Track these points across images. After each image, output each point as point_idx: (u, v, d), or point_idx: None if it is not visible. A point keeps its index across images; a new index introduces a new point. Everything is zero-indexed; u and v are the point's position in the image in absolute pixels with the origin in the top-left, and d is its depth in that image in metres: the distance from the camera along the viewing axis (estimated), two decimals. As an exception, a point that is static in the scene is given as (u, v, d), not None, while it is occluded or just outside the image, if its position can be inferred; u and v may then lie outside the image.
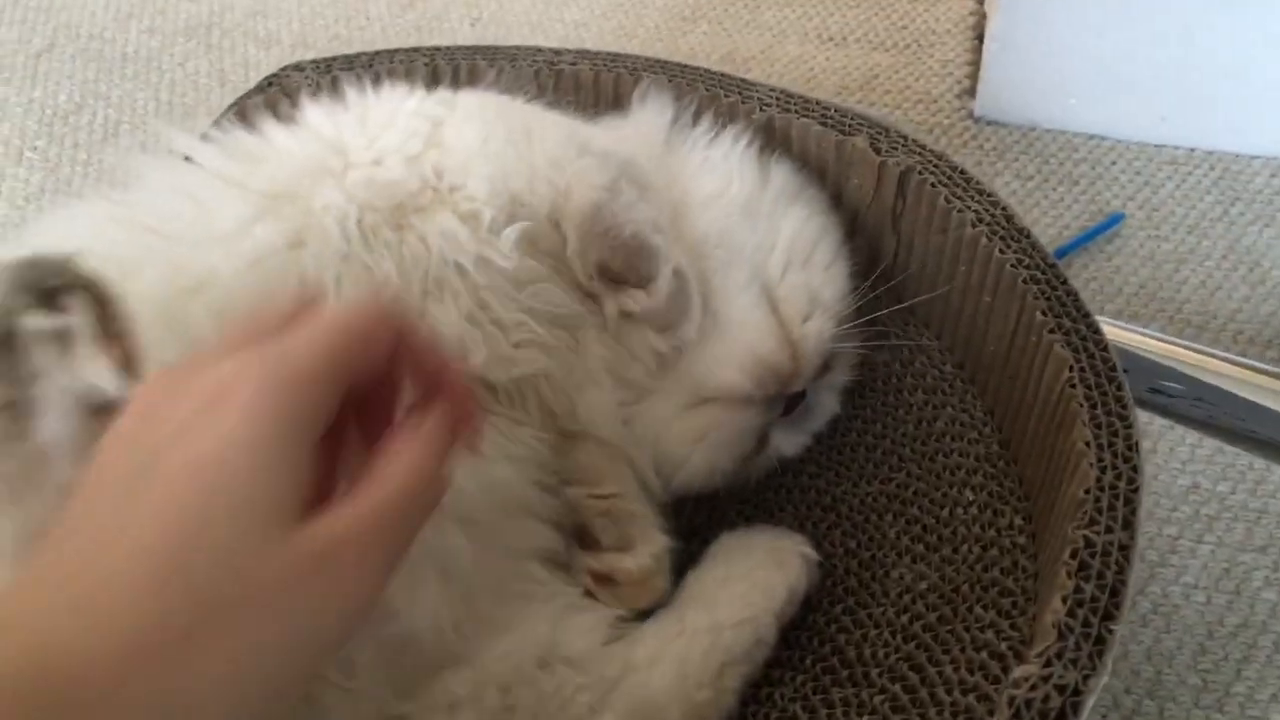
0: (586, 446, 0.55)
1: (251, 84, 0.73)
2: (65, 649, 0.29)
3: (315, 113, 0.56)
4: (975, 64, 1.02)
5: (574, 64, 0.71)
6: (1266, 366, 0.67)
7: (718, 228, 0.57)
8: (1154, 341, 0.72)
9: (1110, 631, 0.41)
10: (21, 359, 0.35)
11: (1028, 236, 0.57)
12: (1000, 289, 0.57)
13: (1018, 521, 0.55)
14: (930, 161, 0.61)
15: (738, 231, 0.57)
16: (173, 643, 0.29)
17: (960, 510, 0.57)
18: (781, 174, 0.62)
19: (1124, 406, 0.49)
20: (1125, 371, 0.51)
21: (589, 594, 0.53)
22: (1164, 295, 0.81)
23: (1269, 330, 0.78)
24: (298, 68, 0.72)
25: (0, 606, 0.30)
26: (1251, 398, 0.64)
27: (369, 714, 0.44)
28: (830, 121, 0.64)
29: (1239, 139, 0.92)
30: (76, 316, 0.35)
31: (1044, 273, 0.55)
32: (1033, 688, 0.39)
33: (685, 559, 0.55)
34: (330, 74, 0.71)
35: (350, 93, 0.57)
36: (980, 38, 1.05)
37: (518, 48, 0.73)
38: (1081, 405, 0.49)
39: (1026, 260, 0.56)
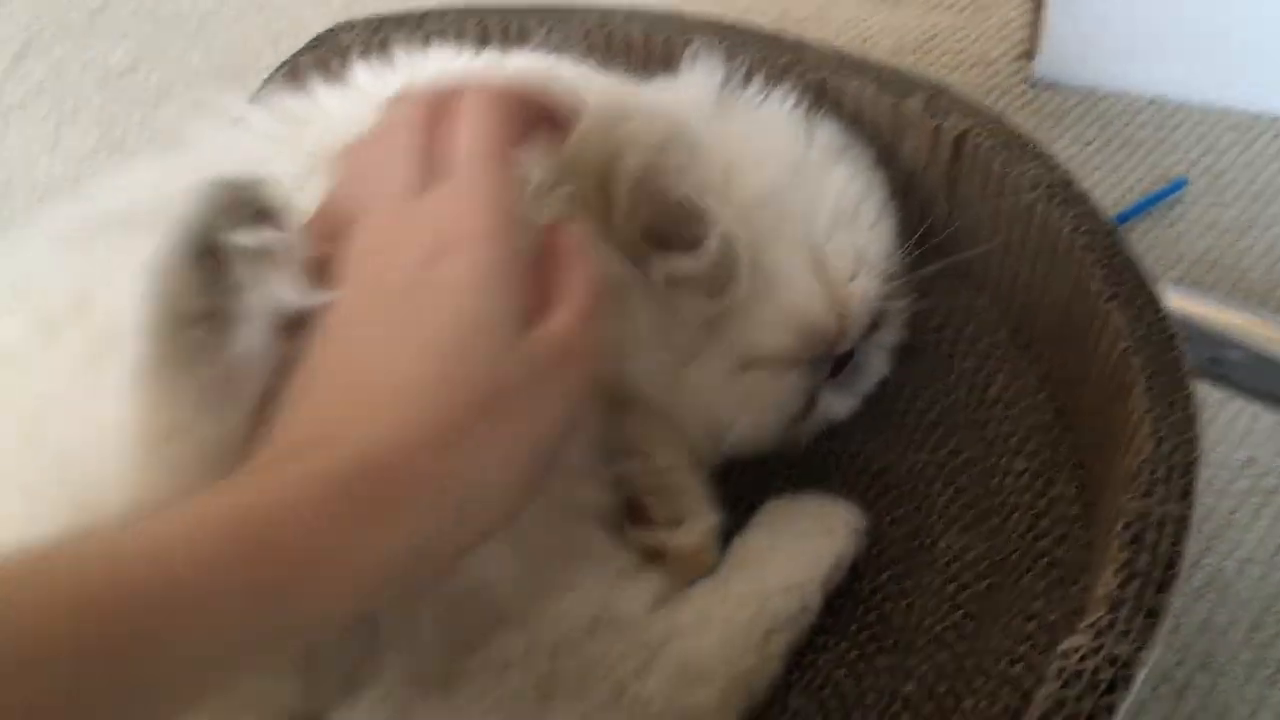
0: (635, 416, 0.55)
1: (303, 43, 0.74)
2: (375, 443, 0.33)
3: (363, 74, 0.56)
4: (1034, 25, 1.00)
5: (624, 24, 0.70)
6: (1330, 338, 0.66)
7: (765, 189, 0.56)
8: (1215, 310, 0.70)
9: (1164, 604, 0.40)
10: (223, 274, 0.37)
11: (1086, 201, 0.56)
12: (1057, 255, 0.56)
13: (1070, 492, 0.54)
14: (986, 124, 0.60)
15: (785, 192, 0.57)
16: (460, 433, 0.35)
17: (1011, 479, 0.56)
18: (827, 133, 0.61)
19: (1182, 376, 0.48)
20: (1185, 340, 0.50)
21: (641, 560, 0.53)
22: (1226, 263, 0.79)
23: (1334, 301, 0.76)
24: (348, 27, 0.72)
25: (296, 427, 0.35)
26: (1314, 369, 0.63)
27: (423, 668, 0.45)
28: (884, 84, 0.63)
29: (1308, 104, 0.89)
30: (274, 235, 0.37)
31: (1102, 238, 0.54)
32: (1082, 659, 0.39)
33: (732, 524, 0.55)
34: (380, 34, 0.71)
35: (399, 53, 0.57)
36: (1040, -2, 1.03)
37: (568, 8, 0.72)
38: (1139, 375, 0.48)
39: (1085, 225, 0.55)
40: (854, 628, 0.53)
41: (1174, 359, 0.49)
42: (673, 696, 0.48)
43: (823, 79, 0.65)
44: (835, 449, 0.61)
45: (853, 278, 0.56)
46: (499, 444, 0.36)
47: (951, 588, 0.53)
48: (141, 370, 0.36)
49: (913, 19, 1.05)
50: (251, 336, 0.37)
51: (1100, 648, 0.39)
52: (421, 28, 0.71)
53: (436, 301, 0.36)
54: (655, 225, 0.52)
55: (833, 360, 0.57)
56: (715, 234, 0.51)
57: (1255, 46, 0.87)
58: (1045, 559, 0.52)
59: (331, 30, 0.72)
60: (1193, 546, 0.62)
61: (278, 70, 0.71)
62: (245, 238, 0.37)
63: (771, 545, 0.53)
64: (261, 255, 0.37)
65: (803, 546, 0.53)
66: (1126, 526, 0.43)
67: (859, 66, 0.64)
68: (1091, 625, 0.40)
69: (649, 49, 0.70)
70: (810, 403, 0.57)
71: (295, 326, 0.38)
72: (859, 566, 0.55)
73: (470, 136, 0.40)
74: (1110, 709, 0.38)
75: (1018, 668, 0.48)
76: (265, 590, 0.31)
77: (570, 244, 0.41)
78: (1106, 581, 0.41)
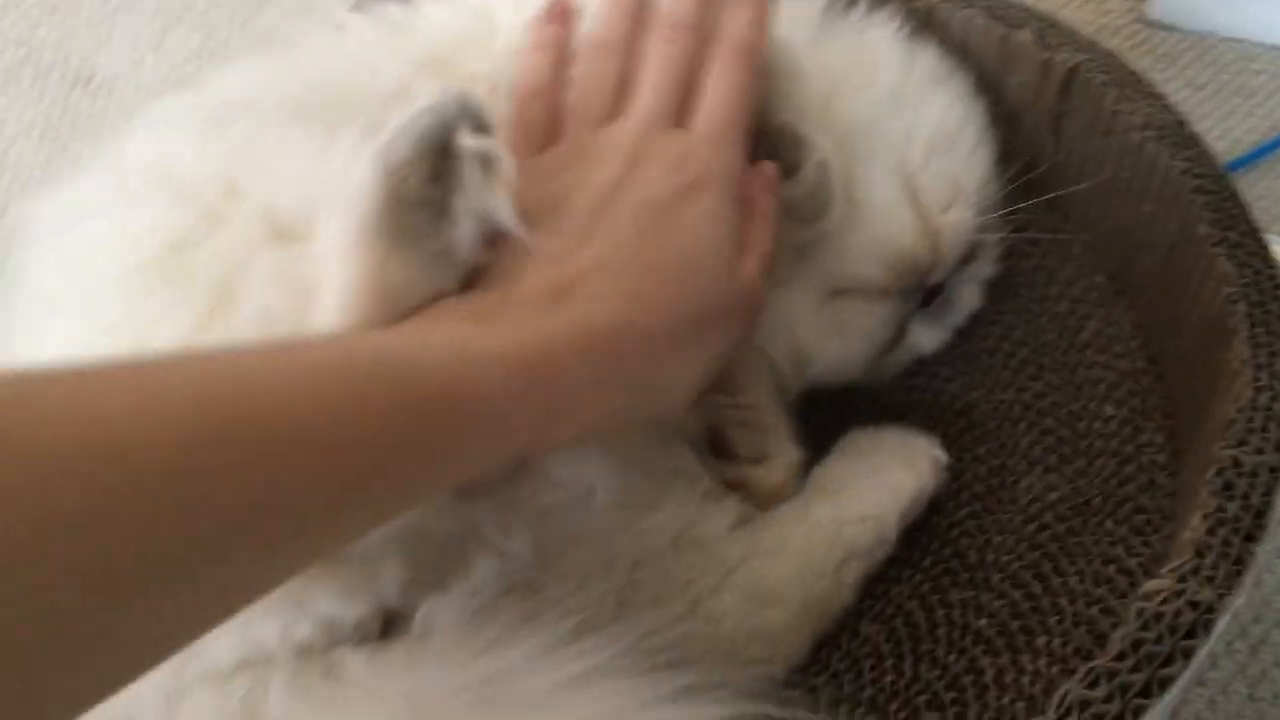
0: None
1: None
2: (622, 314, 0.41)
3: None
4: (1152, -37, 0.96)
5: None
6: None
7: (864, 115, 0.55)
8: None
9: (1251, 553, 0.40)
10: (452, 168, 0.40)
11: (1198, 144, 0.54)
12: (1164, 197, 0.54)
13: (1158, 439, 0.53)
14: (1099, 60, 0.59)
15: (882, 119, 0.56)
16: (680, 334, 0.43)
17: (1099, 424, 0.55)
18: (928, 58, 0.60)
19: (1286, 327, 0.47)
20: (1288, 294, 0.49)
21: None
22: (1336, 218, 0.77)
23: None
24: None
25: (536, 279, 0.41)
26: None
27: (506, 575, 0.46)
28: (995, 13, 0.62)
29: None
30: (497, 146, 0.40)
31: (1213, 182, 0.52)
32: (1164, 601, 0.39)
33: (815, 452, 0.55)
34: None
35: None
36: (1160, -65, 0.99)
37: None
38: (1242, 321, 0.47)
39: (1195, 169, 0.53)
40: (929, 561, 0.53)
41: (1278, 309, 0.47)
42: (745, 615, 0.49)
43: (931, 6, 0.63)
44: (919, 384, 0.61)
45: (947, 208, 0.55)
46: (697, 352, 0.44)
47: (1031, 528, 0.53)
48: (371, 237, 0.40)
49: (1026, -49, 1.02)
50: (462, 234, 0.40)
51: (1182, 592, 0.39)
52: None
53: (686, 225, 0.44)
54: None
55: (923, 291, 0.56)
56: (813, 161, 0.51)
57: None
58: (1129, 504, 0.51)
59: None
60: (1281, 503, 0.61)
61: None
62: (474, 142, 0.40)
63: (852, 475, 0.53)
64: (485, 162, 0.40)
65: (883, 478, 0.53)
66: (1219, 473, 0.42)
67: (970, -4, 0.63)
68: (1175, 569, 0.40)
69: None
70: (899, 334, 0.57)
71: (493, 240, 0.42)
72: (938, 501, 0.54)
73: (727, 91, 0.47)
74: (1188, 654, 0.38)
75: (1094, 610, 0.48)
76: (536, 418, 0.39)
77: (763, 194, 0.48)
78: (1194, 527, 0.41)
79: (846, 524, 0.51)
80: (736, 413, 0.54)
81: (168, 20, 1.00)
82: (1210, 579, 0.39)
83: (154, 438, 0.28)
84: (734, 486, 0.53)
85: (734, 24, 0.49)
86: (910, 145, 0.56)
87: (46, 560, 0.26)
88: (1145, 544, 0.50)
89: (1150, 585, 0.40)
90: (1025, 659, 0.48)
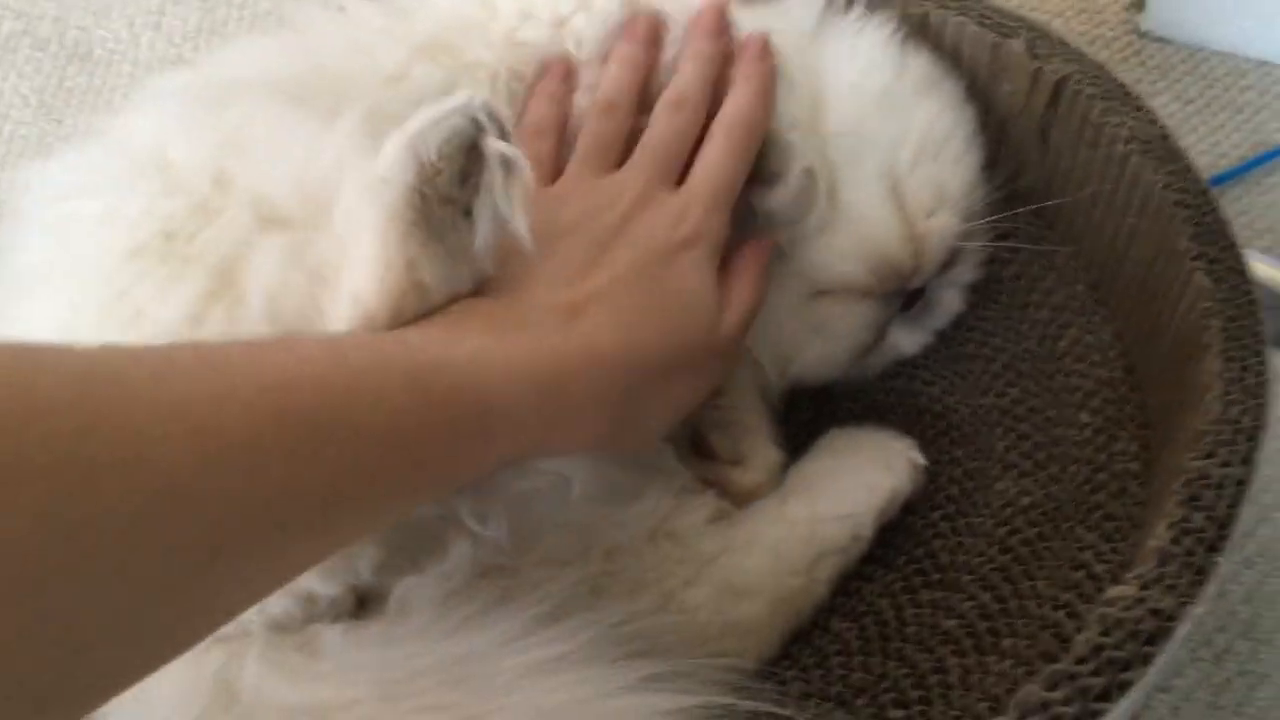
0: None
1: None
2: (608, 345, 0.44)
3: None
4: (1149, -25, 0.97)
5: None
6: None
7: (854, 117, 0.56)
8: (1301, 282, 0.69)
9: (1214, 563, 0.41)
10: (477, 170, 0.41)
11: (1182, 159, 0.55)
12: (1147, 211, 0.55)
13: (1132, 448, 0.54)
14: (1088, 72, 0.59)
15: (871, 122, 0.57)
16: (659, 378, 0.46)
17: (1074, 431, 0.56)
18: (920, 64, 0.60)
19: (1259, 342, 0.47)
20: (1267, 309, 0.50)
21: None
22: (1318, 236, 0.77)
23: None
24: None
25: (538, 295, 0.44)
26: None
27: (481, 559, 0.47)
28: (988, 22, 0.62)
29: None
30: (520, 154, 0.41)
31: (1195, 198, 0.53)
32: (1126, 608, 0.39)
33: (794, 450, 0.56)
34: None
35: None
36: (1157, -52, 1.00)
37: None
38: (1216, 336, 0.48)
39: (1178, 184, 0.54)
40: (902, 560, 0.54)
41: (1253, 325, 0.48)
42: (719, 608, 0.49)
43: (925, 13, 0.64)
44: (899, 386, 0.62)
45: (932, 213, 0.56)
46: (676, 393, 0.48)
47: (1002, 531, 0.54)
48: (403, 229, 0.41)
49: (1024, -41, 1.02)
50: (480, 234, 0.42)
51: (1145, 599, 0.40)
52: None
53: (678, 275, 0.47)
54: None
55: (905, 295, 0.57)
56: (796, 169, 0.52)
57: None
58: (1099, 512, 0.52)
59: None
60: (1248, 514, 0.62)
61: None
62: (502, 146, 0.41)
63: (830, 473, 0.54)
64: (508, 167, 0.41)
65: (860, 479, 0.54)
66: (1186, 484, 0.43)
67: (962, 3, 0.63)
68: (1139, 577, 0.40)
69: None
70: (880, 335, 0.58)
71: (500, 254, 0.43)
72: (913, 503, 0.55)
73: (722, 162, 0.50)
74: (1148, 660, 0.38)
75: (1060, 614, 0.49)
76: (542, 427, 0.42)
77: (753, 261, 0.51)
78: (1159, 536, 0.42)
79: (822, 522, 0.52)
80: (717, 415, 0.55)
81: (167, -2, 1.00)
82: (1172, 587, 0.40)
83: (227, 423, 0.31)
84: (712, 485, 0.54)
85: (736, 100, 0.52)
86: (899, 150, 0.56)
87: (138, 532, 0.28)
88: (1114, 550, 0.50)
89: (1113, 591, 0.40)
90: (991, 660, 0.49)
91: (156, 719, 0.41)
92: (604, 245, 0.47)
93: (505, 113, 0.41)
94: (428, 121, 0.40)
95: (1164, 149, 0.55)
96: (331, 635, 0.43)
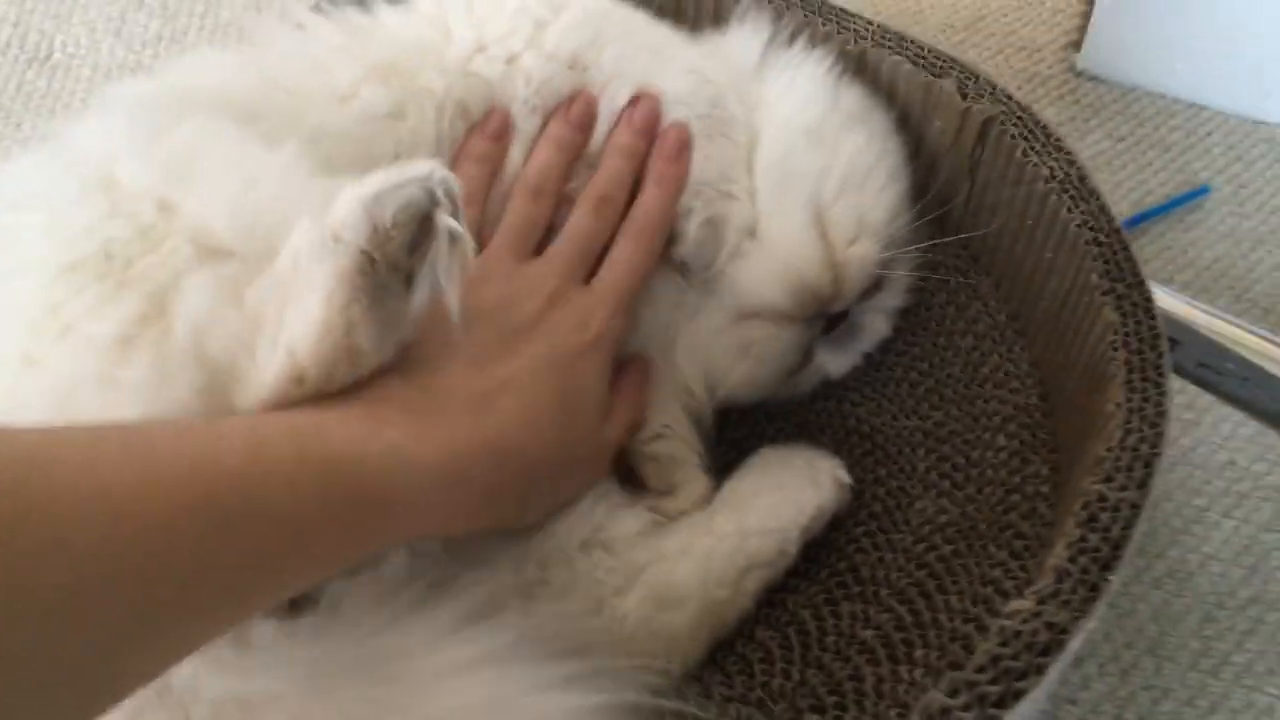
0: None
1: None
2: (507, 436, 0.47)
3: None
4: (1085, 16, 1.01)
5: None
6: (1320, 358, 0.68)
7: (784, 150, 0.59)
8: (1216, 319, 0.72)
9: (1107, 580, 0.43)
10: (427, 240, 0.42)
11: (1098, 198, 0.58)
12: (1062, 247, 0.58)
13: (1044, 471, 0.57)
14: (1015, 113, 0.62)
15: (801, 154, 0.59)
16: (547, 470, 0.49)
17: (991, 454, 0.59)
18: (851, 97, 0.63)
19: (1160, 374, 0.50)
20: (1177, 343, 0.52)
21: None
22: (1235, 274, 0.81)
23: (1335, 323, 0.78)
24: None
25: (446, 383, 0.46)
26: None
27: (414, 567, 0.48)
28: (922, 61, 0.65)
29: (1341, 126, 0.90)
30: (463, 231, 0.43)
31: (1107, 236, 0.56)
32: (1024, 621, 0.42)
33: (726, 466, 0.58)
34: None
35: None
36: (1094, -10, 1.03)
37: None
38: (1120, 368, 0.51)
39: (1092, 222, 0.57)
40: (824, 573, 0.57)
41: (1156, 358, 0.51)
42: (647, 616, 0.51)
43: (863, 51, 0.66)
44: (829, 408, 0.64)
45: (853, 240, 0.58)
46: (561, 486, 0.52)
47: (920, 548, 0.56)
48: (349, 292, 0.42)
49: (966, -3, 1.06)
50: (415, 303, 0.43)
51: (1040, 613, 0.42)
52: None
53: (579, 375, 0.51)
54: None
55: (826, 318, 0.60)
56: (695, 225, 0.56)
57: (1295, 63, 0.88)
58: (1010, 531, 0.55)
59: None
60: (1160, 539, 0.65)
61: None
62: (452, 223, 0.42)
63: (758, 489, 0.56)
64: (453, 241, 0.43)
65: (788, 495, 0.56)
66: (1084, 506, 0.46)
67: (898, 42, 0.66)
68: (1036, 592, 0.43)
69: (699, 4, 0.72)
70: (805, 357, 0.60)
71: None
72: (838, 519, 0.58)
73: (628, 264, 0.55)
74: (1041, 670, 0.41)
75: (968, 626, 0.51)
76: (445, 513, 0.45)
77: (638, 376, 0.57)
78: (1058, 554, 0.44)
79: (750, 536, 0.54)
80: (645, 446, 0.57)
81: (128, 4, 1.01)
82: (1067, 603, 0.43)
83: (147, 509, 0.33)
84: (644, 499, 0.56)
85: (646, 205, 0.56)
86: (824, 180, 0.59)
87: (61, 612, 0.30)
88: (1022, 568, 0.53)
89: (1012, 605, 0.43)
90: (904, 669, 0.51)
91: None
92: (518, 333, 0.50)
93: (457, 187, 0.43)
94: (387, 186, 0.41)
95: (1081, 189, 0.58)
96: (263, 630, 0.43)
